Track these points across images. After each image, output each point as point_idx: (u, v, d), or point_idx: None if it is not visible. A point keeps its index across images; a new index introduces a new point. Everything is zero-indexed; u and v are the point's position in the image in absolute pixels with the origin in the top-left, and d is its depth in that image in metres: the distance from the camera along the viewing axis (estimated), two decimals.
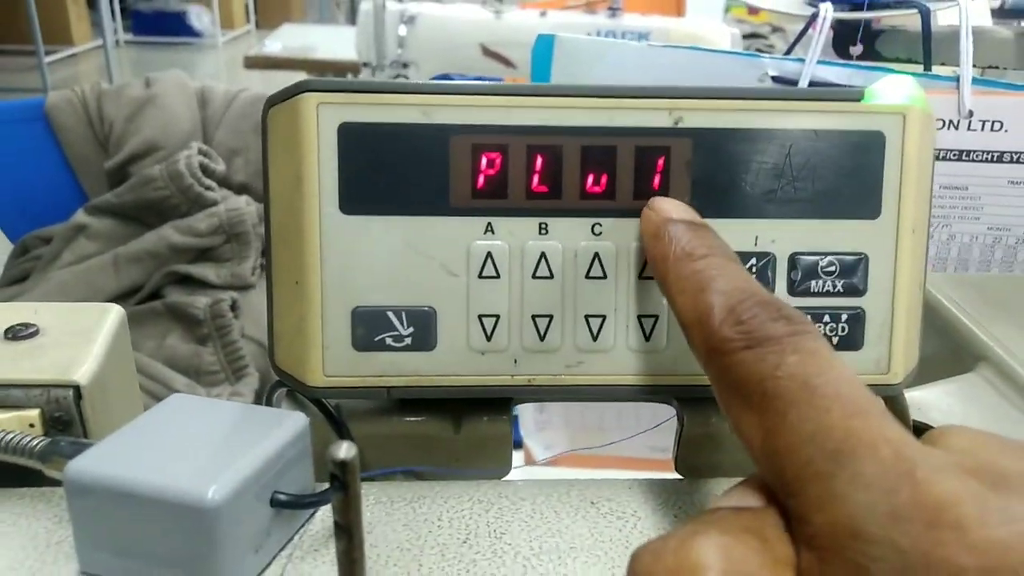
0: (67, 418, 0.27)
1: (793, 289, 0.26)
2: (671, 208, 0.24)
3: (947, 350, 0.39)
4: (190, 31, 4.85)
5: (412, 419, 0.28)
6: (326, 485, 0.23)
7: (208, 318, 0.95)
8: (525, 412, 0.69)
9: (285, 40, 2.11)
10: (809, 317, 0.19)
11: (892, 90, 0.26)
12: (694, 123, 0.25)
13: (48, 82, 3.19)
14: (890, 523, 0.14)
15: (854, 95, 0.25)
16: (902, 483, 0.14)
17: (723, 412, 0.19)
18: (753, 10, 2.46)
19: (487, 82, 0.25)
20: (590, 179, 0.25)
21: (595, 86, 0.25)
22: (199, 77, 1.15)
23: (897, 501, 0.14)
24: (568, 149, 0.25)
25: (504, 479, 0.28)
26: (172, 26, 4.83)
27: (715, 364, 0.19)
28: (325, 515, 0.25)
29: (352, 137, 0.25)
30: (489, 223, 0.25)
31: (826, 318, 0.26)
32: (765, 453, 0.17)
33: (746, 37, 2.02)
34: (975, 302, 0.40)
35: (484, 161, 0.25)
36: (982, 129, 0.52)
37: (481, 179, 0.25)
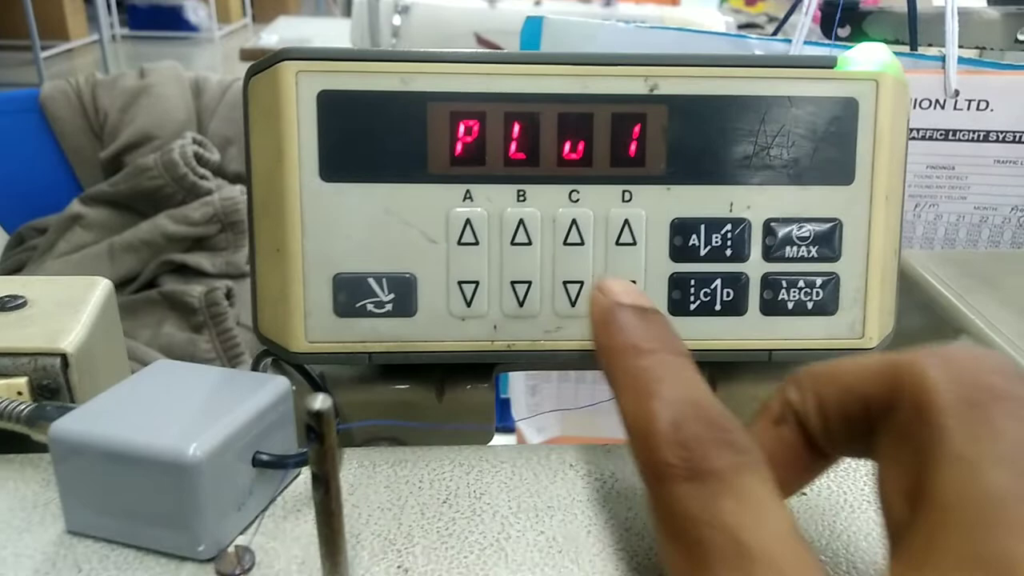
0: (54, 386, 0.28)
1: (768, 255, 0.26)
2: (620, 291, 0.22)
3: (929, 323, 0.39)
4: (186, 25, 4.84)
5: (396, 386, 0.29)
6: None
7: (203, 306, 0.96)
8: (517, 397, 0.70)
9: (281, 32, 2.12)
10: (751, 441, 0.18)
11: (865, 57, 0.26)
12: (669, 90, 0.25)
13: (44, 77, 3.18)
14: None
15: (827, 62, 0.26)
16: None
17: (654, 531, 0.18)
18: (749, 0, 2.45)
19: (464, 50, 0.25)
20: (567, 146, 0.26)
21: (571, 54, 0.25)
22: (196, 71, 1.15)
23: None
24: (545, 116, 0.25)
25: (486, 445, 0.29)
26: (168, 20, 4.82)
27: (652, 488, 0.18)
28: (307, 478, 0.25)
29: (331, 105, 0.25)
30: (467, 190, 0.26)
31: (800, 283, 0.26)
32: None
33: (742, 27, 2.01)
34: (956, 276, 0.40)
35: (462, 128, 0.25)
36: (968, 108, 0.52)
37: (459, 146, 0.25)
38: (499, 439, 0.30)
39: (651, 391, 0.19)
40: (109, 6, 4.28)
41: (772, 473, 0.17)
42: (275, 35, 2.05)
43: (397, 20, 1.33)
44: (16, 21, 3.48)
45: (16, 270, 1.04)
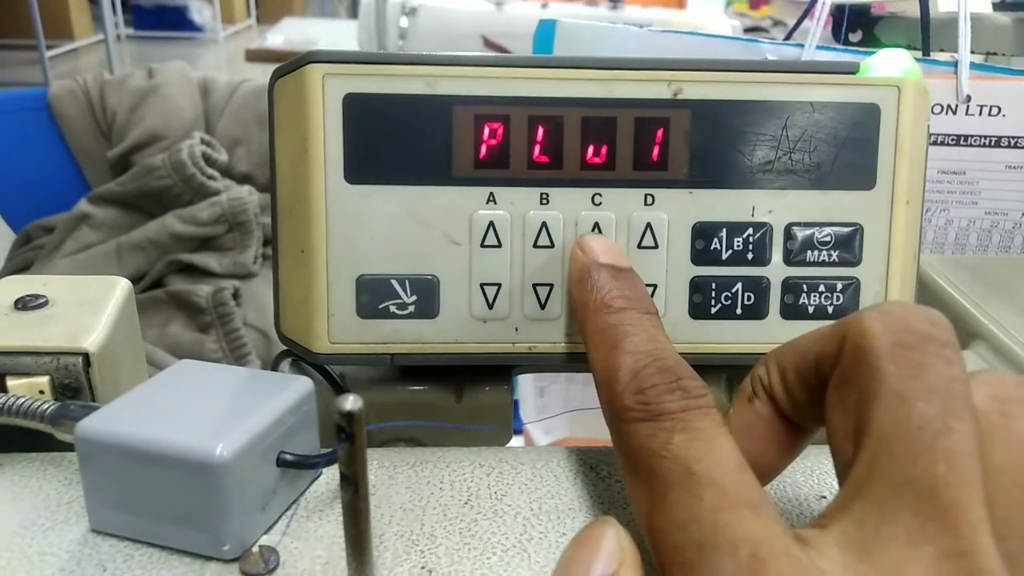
0: (76, 385, 0.28)
1: (789, 259, 0.27)
2: (598, 250, 0.24)
3: None
4: (191, 25, 4.85)
5: (415, 388, 0.29)
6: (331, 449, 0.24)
7: (210, 306, 0.96)
8: (525, 399, 0.70)
9: (287, 34, 2.12)
10: (703, 388, 0.19)
11: (887, 63, 0.26)
12: (693, 95, 0.26)
13: (49, 76, 3.19)
14: None
15: (850, 68, 0.26)
16: None
17: (621, 471, 0.20)
18: (755, 4, 2.45)
19: (490, 54, 0.25)
20: (590, 150, 0.26)
21: (596, 58, 0.26)
22: (203, 71, 1.15)
23: None
24: (569, 120, 0.25)
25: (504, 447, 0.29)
26: (173, 20, 4.83)
27: (615, 430, 0.20)
28: (329, 478, 0.25)
29: (357, 108, 0.25)
30: (491, 193, 0.26)
31: (821, 287, 0.27)
32: (647, 528, 0.18)
33: (747, 31, 2.02)
34: (970, 282, 0.40)
35: (486, 131, 0.25)
36: (980, 114, 0.52)
37: (483, 149, 0.25)
38: (514, 444, 0.30)
39: (617, 344, 0.21)
40: (114, 6, 4.29)
41: (727, 426, 0.19)
42: (280, 36, 2.06)
43: (404, 22, 1.33)
44: (21, 20, 3.49)
45: (23, 269, 1.05)
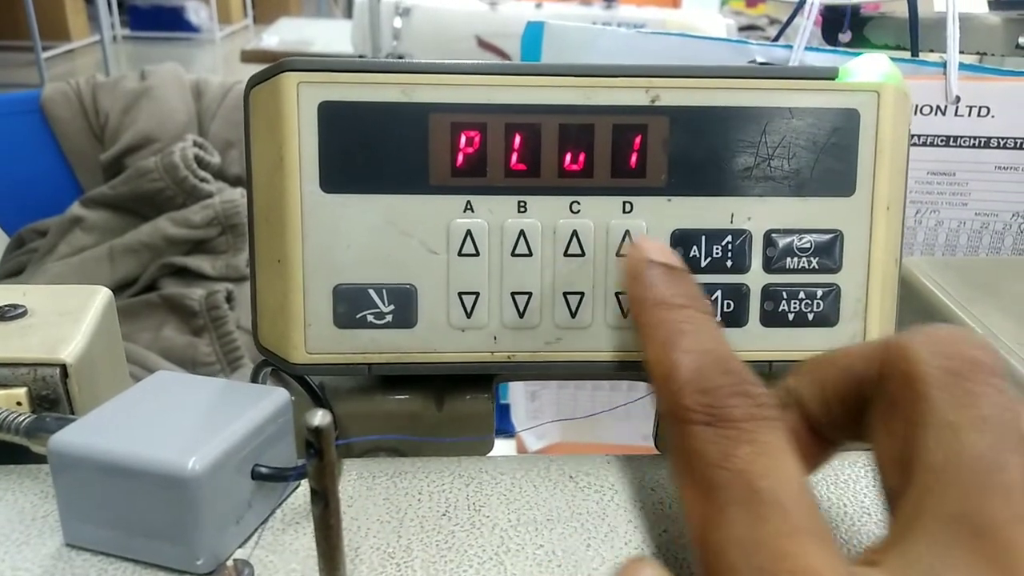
0: (54, 396, 0.27)
1: (769, 266, 0.26)
2: (652, 249, 0.23)
3: None
4: (188, 26, 4.84)
5: (396, 397, 0.28)
6: None
7: (203, 309, 0.96)
8: (517, 403, 0.70)
9: (283, 34, 2.11)
10: (770, 396, 0.18)
11: (867, 68, 0.26)
12: (671, 101, 0.25)
13: (45, 77, 3.18)
14: None
15: (829, 73, 0.26)
16: None
17: (672, 472, 0.19)
18: (751, 2, 2.45)
19: (466, 61, 0.25)
20: (568, 157, 0.25)
21: (572, 64, 0.25)
22: (197, 72, 1.15)
23: None
24: (546, 127, 0.25)
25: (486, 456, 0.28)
26: (169, 21, 4.82)
27: (673, 429, 0.19)
28: (306, 490, 0.25)
29: (332, 116, 0.25)
30: (468, 201, 0.26)
31: (801, 294, 0.26)
32: (698, 539, 0.17)
33: (742, 29, 2.01)
34: (957, 284, 0.40)
35: (463, 139, 0.25)
36: (969, 115, 0.52)
37: (460, 157, 0.25)
38: (498, 444, 0.30)
39: (675, 341, 0.20)
40: (110, 7, 4.28)
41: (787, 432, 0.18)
42: (276, 36, 2.05)
43: (398, 22, 1.33)
44: (17, 21, 3.48)
45: (16, 272, 1.04)
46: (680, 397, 0.18)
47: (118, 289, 0.99)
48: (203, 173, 1.01)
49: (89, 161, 1.09)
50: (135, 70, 1.13)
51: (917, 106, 0.51)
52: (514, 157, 0.25)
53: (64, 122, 1.09)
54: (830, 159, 0.26)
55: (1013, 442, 0.16)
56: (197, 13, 4.87)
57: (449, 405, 0.28)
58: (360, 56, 1.36)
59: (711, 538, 0.17)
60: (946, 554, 0.15)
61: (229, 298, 0.98)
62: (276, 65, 0.25)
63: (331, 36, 2.04)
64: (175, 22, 4.82)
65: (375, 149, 0.25)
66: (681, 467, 0.18)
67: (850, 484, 0.26)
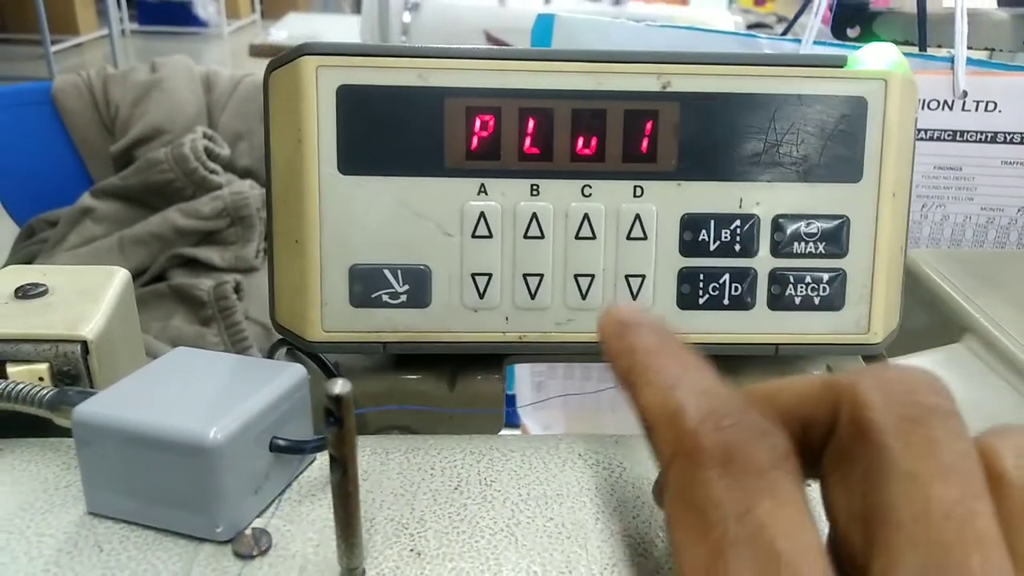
0: (74, 372, 0.28)
1: (777, 250, 0.27)
2: (634, 311, 0.21)
3: (933, 322, 0.40)
4: (196, 20, 4.85)
5: (408, 376, 0.29)
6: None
7: (212, 300, 0.97)
8: (523, 392, 0.70)
9: (290, 29, 2.12)
10: (788, 442, 0.17)
11: (874, 57, 0.26)
12: (682, 87, 0.26)
13: (54, 71, 3.20)
14: None
15: (837, 61, 0.26)
16: None
17: (666, 518, 0.17)
18: (759, 0, 2.45)
19: (481, 47, 0.26)
20: (580, 142, 0.26)
21: (586, 51, 0.26)
22: (205, 66, 1.16)
23: None
24: (559, 112, 0.26)
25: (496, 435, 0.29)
26: (178, 15, 4.83)
27: (678, 470, 0.17)
28: (322, 464, 0.26)
29: (350, 99, 0.25)
30: (482, 184, 0.26)
31: (808, 279, 0.27)
32: None
33: (751, 27, 2.02)
34: (961, 275, 0.41)
35: (478, 123, 0.26)
36: (976, 109, 0.52)
37: (475, 141, 0.26)
38: (505, 434, 0.30)
39: (676, 384, 0.18)
40: (119, 1, 4.29)
41: None
42: (284, 31, 2.06)
43: (407, 17, 1.33)
44: (26, 15, 3.50)
45: (27, 262, 1.05)
46: (691, 437, 0.17)
47: None
48: (213, 165, 1.02)
49: (99, 152, 1.09)
50: (145, 63, 1.13)
51: (924, 101, 0.51)
52: (527, 141, 0.26)
53: (75, 113, 1.10)
54: (838, 146, 0.26)
55: (977, 488, 0.15)
56: (205, 8, 4.88)
57: (461, 384, 0.29)
58: None
59: None
60: None
61: (237, 289, 0.98)
62: (295, 49, 0.26)
63: (339, 31, 2.04)
64: (183, 16, 4.84)
65: (392, 132, 0.26)
66: (682, 512, 0.16)
67: None
